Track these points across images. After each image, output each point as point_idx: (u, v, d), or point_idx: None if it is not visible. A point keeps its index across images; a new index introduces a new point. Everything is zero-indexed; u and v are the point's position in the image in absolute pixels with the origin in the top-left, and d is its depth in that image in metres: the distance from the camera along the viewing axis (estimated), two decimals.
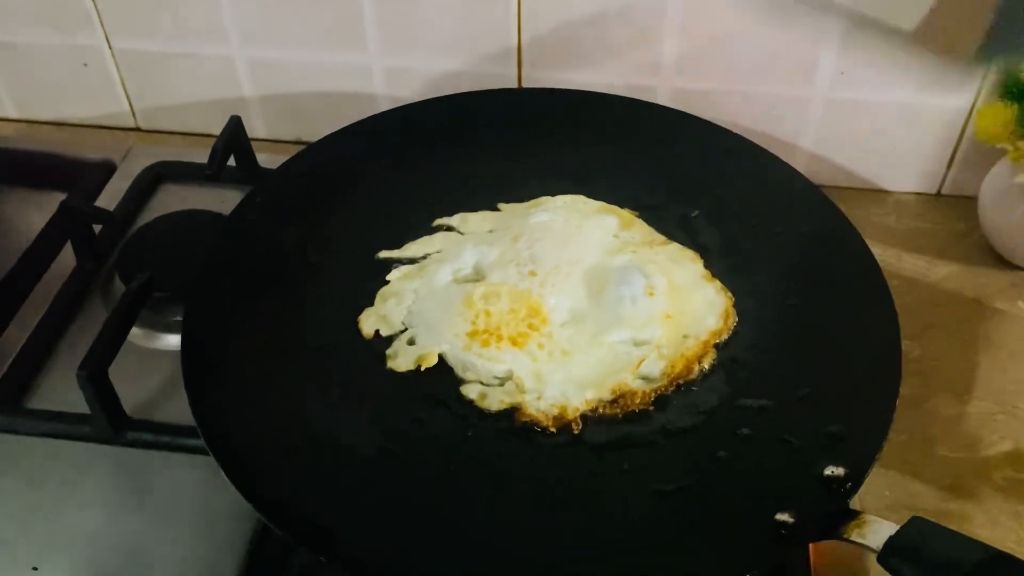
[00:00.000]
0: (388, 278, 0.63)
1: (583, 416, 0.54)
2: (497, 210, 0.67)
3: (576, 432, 0.53)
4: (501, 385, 0.56)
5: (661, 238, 0.64)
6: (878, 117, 0.74)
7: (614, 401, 0.55)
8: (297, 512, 0.48)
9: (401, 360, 0.58)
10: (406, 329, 0.59)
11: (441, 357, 0.57)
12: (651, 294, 0.58)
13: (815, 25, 0.70)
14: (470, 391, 0.56)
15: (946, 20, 0.64)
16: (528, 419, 0.54)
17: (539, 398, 0.55)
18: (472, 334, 0.57)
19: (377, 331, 0.59)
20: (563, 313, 0.59)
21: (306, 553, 0.50)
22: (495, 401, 0.55)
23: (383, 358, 0.58)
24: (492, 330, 0.57)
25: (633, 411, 0.54)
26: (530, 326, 0.58)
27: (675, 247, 0.63)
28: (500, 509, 0.50)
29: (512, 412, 0.54)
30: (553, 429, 0.53)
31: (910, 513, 0.45)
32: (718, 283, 0.61)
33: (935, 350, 0.65)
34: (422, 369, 0.56)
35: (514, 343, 0.57)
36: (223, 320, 0.58)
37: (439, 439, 0.53)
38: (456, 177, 0.68)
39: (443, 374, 0.57)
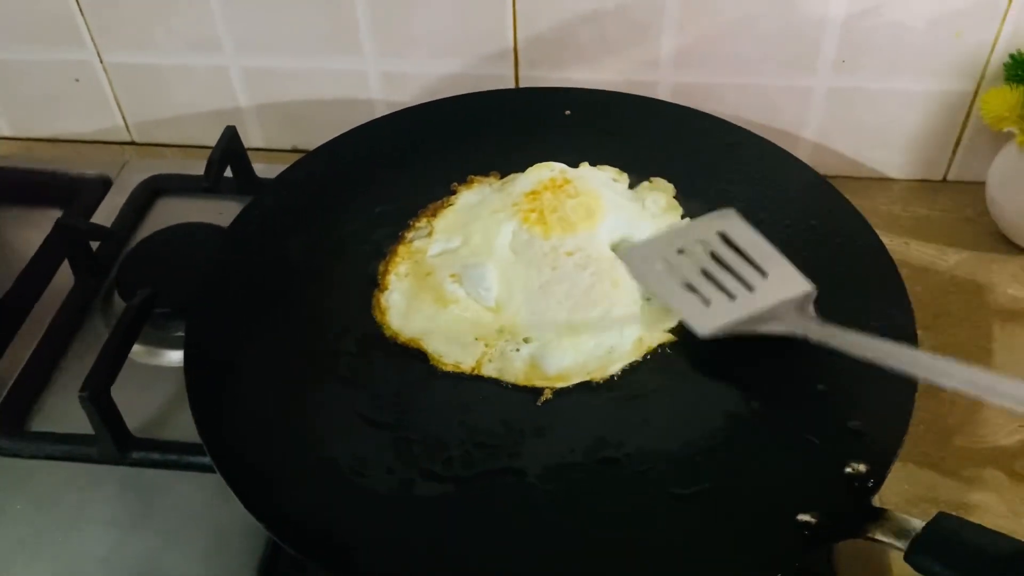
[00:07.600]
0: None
1: None
2: None
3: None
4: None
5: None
6: (881, 104, 0.73)
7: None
8: (309, 529, 0.47)
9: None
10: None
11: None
12: None
13: (815, 13, 0.69)
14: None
15: None
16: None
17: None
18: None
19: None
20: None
21: (320, 571, 0.50)
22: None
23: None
24: (536, 209, 0.59)
25: None
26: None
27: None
28: (522, 523, 0.49)
29: None
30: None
31: (931, 506, 0.44)
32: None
33: (948, 339, 0.64)
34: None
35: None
36: (226, 334, 0.57)
37: (457, 452, 0.52)
38: (459, 180, 0.67)
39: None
